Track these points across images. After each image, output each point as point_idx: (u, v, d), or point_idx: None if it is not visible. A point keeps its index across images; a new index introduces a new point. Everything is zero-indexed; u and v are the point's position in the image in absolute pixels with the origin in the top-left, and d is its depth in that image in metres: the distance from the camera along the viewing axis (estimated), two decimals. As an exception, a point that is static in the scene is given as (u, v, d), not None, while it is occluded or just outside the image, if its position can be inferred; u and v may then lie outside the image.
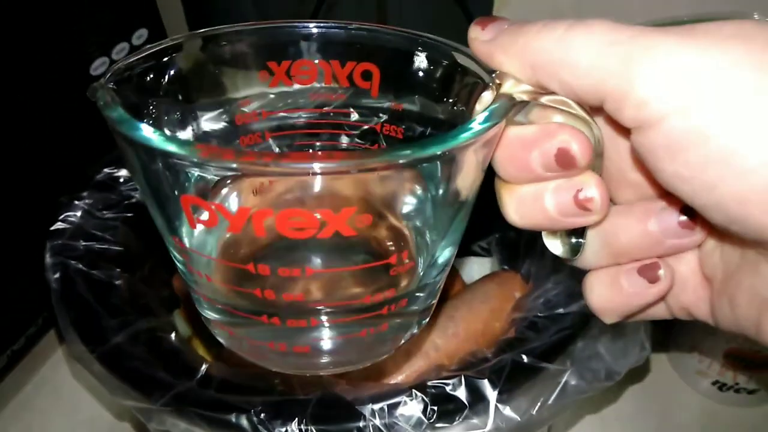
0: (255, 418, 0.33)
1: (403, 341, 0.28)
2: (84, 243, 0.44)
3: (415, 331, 0.28)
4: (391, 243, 0.30)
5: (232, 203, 0.29)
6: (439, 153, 0.21)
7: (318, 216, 0.21)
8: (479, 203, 0.53)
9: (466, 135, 0.21)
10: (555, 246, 0.26)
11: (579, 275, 0.26)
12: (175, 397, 0.34)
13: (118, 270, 0.43)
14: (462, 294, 0.45)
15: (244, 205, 0.29)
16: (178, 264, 0.26)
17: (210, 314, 0.27)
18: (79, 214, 0.45)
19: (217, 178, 0.28)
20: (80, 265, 0.42)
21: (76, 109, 0.51)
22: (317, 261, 0.26)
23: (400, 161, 0.20)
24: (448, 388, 0.33)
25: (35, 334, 0.60)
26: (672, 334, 0.58)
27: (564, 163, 0.22)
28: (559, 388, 0.34)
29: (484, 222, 0.51)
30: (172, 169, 0.23)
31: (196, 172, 0.24)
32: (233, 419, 0.33)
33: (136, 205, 0.48)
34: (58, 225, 0.44)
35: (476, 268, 0.52)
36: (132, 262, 0.45)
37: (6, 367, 0.58)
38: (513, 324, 0.41)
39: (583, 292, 0.26)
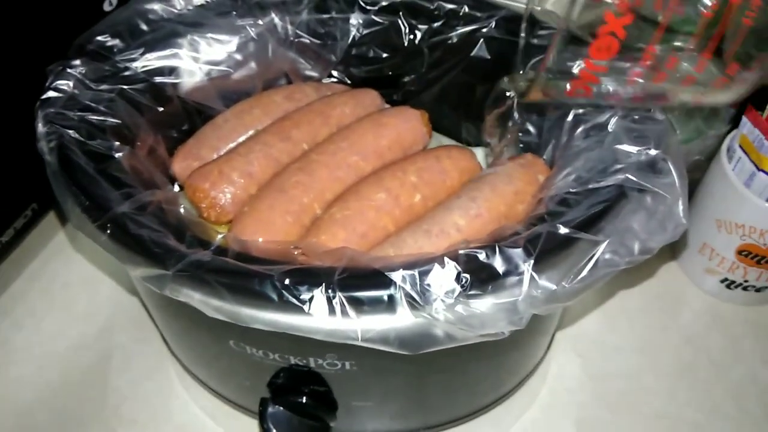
0: (279, 284, 0.31)
1: None
2: (79, 113, 0.40)
3: None
4: None
5: None
6: None
7: None
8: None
9: None
10: None
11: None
12: (192, 264, 0.32)
13: (117, 143, 0.40)
14: (483, 176, 0.43)
15: None
16: None
17: None
18: (71, 83, 0.42)
19: None
20: (77, 135, 0.39)
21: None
22: None
23: None
24: (480, 257, 0.32)
25: (24, 226, 0.57)
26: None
27: None
28: (594, 260, 0.32)
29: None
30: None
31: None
32: (256, 286, 0.31)
33: (133, 77, 0.44)
34: (50, 93, 0.41)
35: (485, 158, 0.49)
36: (131, 137, 0.42)
37: (-6, 259, 0.55)
38: (538, 206, 0.39)
39: None
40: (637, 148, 0.37)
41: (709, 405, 0.51)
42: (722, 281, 0.55)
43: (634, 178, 0.35)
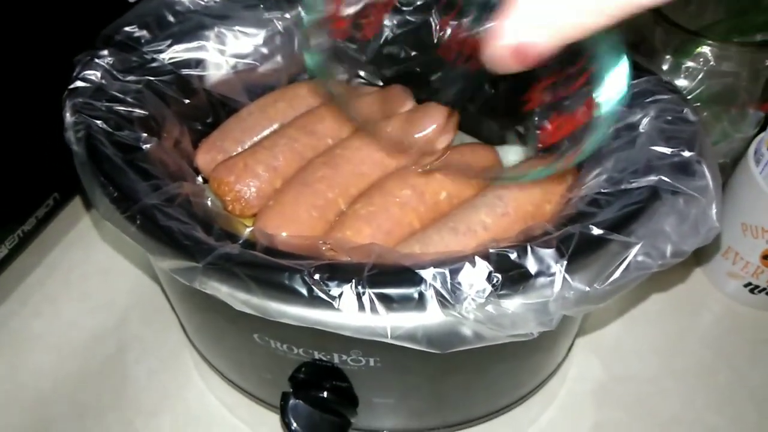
0: (309, 279, 0.31)
1: None
2: (106, 103, 0.40)
3: None
4: None
5: None
6: None
7: None
8: (516, 83, 0.50)
9: None
10: None
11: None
12: (221, 257, 0.32)
13: (145, 134, 0.40)
14: (512, 174, 0.43)
15: None
16: None
17: None
18: (99, 73, 0.41)
19: None
20: (104, 126, 0.39)
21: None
22: None
23: None
24: (512, 256, 0.32)
25: (46, 216, 0.57)
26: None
27: None
28: (627, 262, 0.32)
29: (521, 103, 0.48)
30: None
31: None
32: (286, 280, 0.31)
33: (160, 68, 0.44)
34: (78, 83, 0.41)
35: (512, 158, 0.49)
36: (157, 129, 0.42)
37: (15, 247, 0.55)
38: (567, 206, 0.39)
39: None
40: (671, 150, 0.36)
41: (728, 409, 0.50)
42: (745, 285, 0.54)
43: (668, 180, 0.34)
